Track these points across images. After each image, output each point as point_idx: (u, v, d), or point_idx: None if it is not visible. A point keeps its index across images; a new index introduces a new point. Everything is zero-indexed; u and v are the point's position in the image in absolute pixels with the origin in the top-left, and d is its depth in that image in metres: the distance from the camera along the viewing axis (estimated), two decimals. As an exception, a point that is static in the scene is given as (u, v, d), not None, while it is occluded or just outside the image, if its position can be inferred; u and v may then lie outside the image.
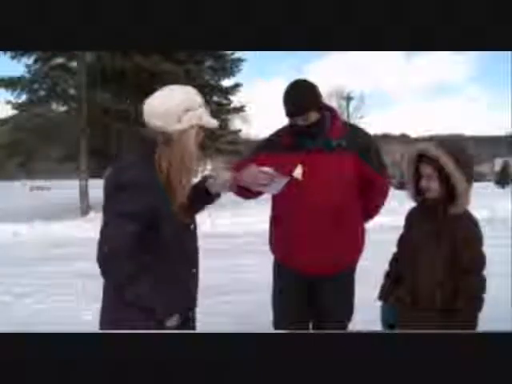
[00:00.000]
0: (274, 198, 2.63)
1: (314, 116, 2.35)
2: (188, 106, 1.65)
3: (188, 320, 1.91)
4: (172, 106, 1.63)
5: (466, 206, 2.05)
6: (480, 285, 2.03)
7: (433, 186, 2.05)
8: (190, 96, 1.69)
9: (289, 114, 2.36)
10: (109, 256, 1.63)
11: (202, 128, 1.72)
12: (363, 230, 2.60)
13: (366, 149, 2.44)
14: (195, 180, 1.88)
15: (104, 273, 1.68)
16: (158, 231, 1.68)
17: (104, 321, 1.82)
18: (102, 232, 1.65)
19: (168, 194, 1.66)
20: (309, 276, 2.48)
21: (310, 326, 2.64)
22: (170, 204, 1.68)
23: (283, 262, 2.58)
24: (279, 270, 2.62)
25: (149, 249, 1.68)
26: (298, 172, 2.41)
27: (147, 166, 1.65)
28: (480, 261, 2.04)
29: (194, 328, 1.97)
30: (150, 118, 1.66)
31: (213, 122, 1.74)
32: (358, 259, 2.59)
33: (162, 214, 1.66)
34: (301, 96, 2.34)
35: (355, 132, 2.50)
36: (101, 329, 1.84)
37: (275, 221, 2.63)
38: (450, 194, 2.02)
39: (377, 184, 2.50)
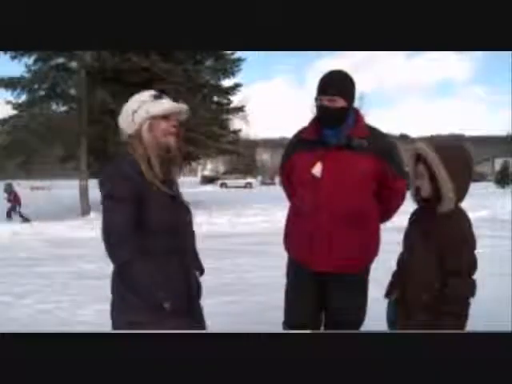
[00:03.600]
0: (294, 196, 2.65)
1: (340, 103, 2.37)
2: (134, 109, 1.93)
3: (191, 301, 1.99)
4: (124, 114, 1.96)
5: (452, 205, 2.00)
6: (466, 288, 1.98)
7: (424, 185, 2.04)
8: (134, 100, 1.96)
9: (320, 90, 2.41)
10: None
11: (157, 118, 1.93)
12: (379, 233, 2.59)
13: (387, 153, 2.46)
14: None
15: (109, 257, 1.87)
16: (144, 211, 1.87)
17: (115, 318, 1.95)
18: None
19: (149, 178, 1.88)
20: (321, 275, 2.48)
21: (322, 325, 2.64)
22: (151, 186, 1.88)
23: (297, 260, 2.58)
24: (293, 267, 2.63)
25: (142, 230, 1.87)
26: (316, 170, 2.41)
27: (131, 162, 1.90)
28: (467, 263, 1.98)
29: (201, 313, 2.07)
30: (122, 130, 1.99)
31: (161, 109, 1.93)
32: (372, 261, 2.58)
33: (145, 196, 1.86)
34: (338, 78, 2.42)
35: (377, 135, 2.51)
36: (114, 324, 1.95)
37: (292, 218, 2.64)
38: (438, 194, 2.00)
39: (394, 188, 2.49)
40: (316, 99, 2.43)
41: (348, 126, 2.44)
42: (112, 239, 1.82)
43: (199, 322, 2.04)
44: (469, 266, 1.99)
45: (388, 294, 2.29)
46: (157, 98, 1.94)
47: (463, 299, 1.98)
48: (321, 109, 2.42)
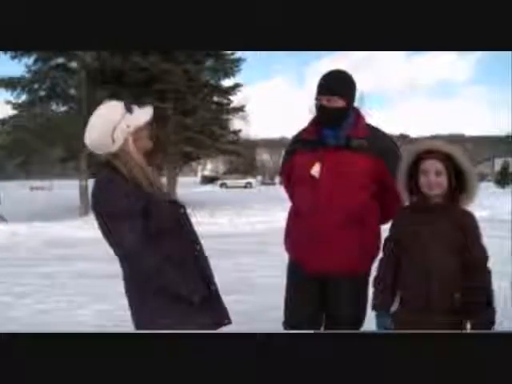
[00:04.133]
0: (293, 196, 2.65)
1: (339, 103, 2.38)
2: (112, 125, 1.83)
3: (212, 293, 2.00)
4: (100, 135, 1.84)
5: (473, 199, 2.10)
6: (489, 277, 2.06)
7: (443, 182, 2.06)
8: (107, 116, 1.86)
9: (320, 90, 2.41)
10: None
11: (137, 129, 1.88)
12: (379, 233, 2.56)
13: (388, 154, 2.43)
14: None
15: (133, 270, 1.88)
16: (153, 222, 1.87)
17: (146, 321, 1.91)
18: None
19: (148, 188, 1.87)
20: (321, 275, 2.47)
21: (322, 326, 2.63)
22: (155, 197, 1.87)
23: (296, 260, 2.58)
24: (293, 267, 2.62)
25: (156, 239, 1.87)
26: (315, 170, 2.41)
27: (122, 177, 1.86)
28: (486, 255, 2.07)
29: (219, 300, 2.05)
30: (95, 151, 1.90)
31: (142, 120, 1.89)
32: (373, 261, 2.54)
33: (151, 207, 1.86)
34: (337, 78, 2.43)
35: (378, 135, 2.50)
36: (143, 328, 1.90)
37: (291, 219, 2.64)
38: (458, 189, 2.06)
39: (395, 189, 2.40)
40: (316, 99, 2.43)
41: (348, 126, 2.43)
42: (131, 253, 1.81)
43: (225, 316, 2.03)
44: (486, 258, 2.06)
45: (383, 305, 2.17)
46: (129, 109, 1.89)
47: (490, 288, 2.05)
48: (320, 109, 2.42)
